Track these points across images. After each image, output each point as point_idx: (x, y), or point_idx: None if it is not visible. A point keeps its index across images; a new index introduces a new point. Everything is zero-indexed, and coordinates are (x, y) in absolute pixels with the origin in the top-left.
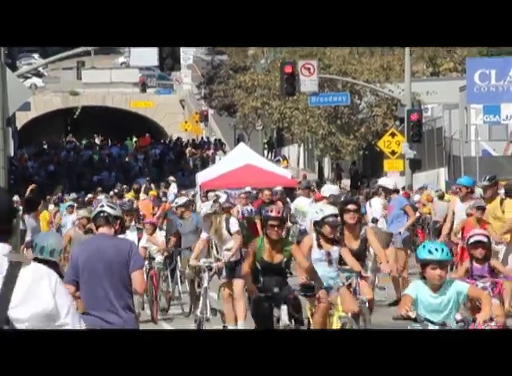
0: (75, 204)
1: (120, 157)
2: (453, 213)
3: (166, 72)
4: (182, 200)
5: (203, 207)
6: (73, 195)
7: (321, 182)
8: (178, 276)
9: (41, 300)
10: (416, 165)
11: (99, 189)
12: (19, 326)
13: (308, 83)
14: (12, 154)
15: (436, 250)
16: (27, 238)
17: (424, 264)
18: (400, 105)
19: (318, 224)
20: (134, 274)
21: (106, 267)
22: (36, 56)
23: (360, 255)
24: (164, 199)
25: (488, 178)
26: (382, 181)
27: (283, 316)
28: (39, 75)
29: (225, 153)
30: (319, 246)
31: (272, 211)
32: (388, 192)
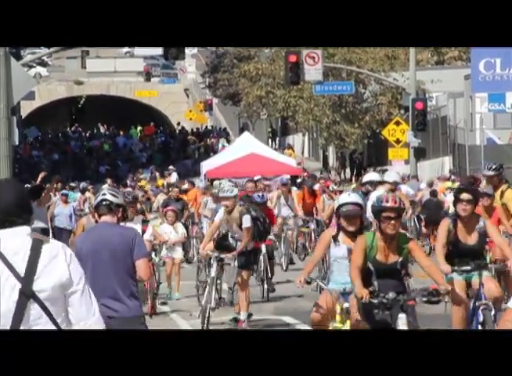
0: (68, 193)
1: (126, 146)
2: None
3: (170, 61)
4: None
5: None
6: (84, 184)
7: (326, 170)
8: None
9: (59, 271)
10: (420, 154)
11: (108, 180)
12: (41, 295)
13: (312, 72)
14: (17, 143)
15: None
16: (33, 225)
17: None
18: (405, 94)
19: (336, 215)
20: (138, 262)
21: (110, 255)
22: None
23: (477, 253)
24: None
25: (494, 167)
26: (367, 176)
27: (401, 327)
28: (43, 64)
29: (228, 141)
30: (335, 240)
31: (387, 201)
32: (376, 184)
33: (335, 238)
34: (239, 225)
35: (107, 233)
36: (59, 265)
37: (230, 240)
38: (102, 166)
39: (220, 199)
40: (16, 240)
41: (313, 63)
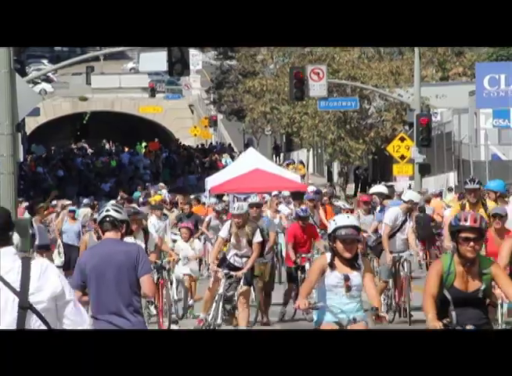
0: (76, 210)
1: (131, 163)
2: None
3: (175, 77)
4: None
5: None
6: (87, 200)
7: (331, 186)
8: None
9: (52, 283)
10: (425, 170)
11: (119, 196)
12: (38, 307)
13: (317, 88)
14: (22, 160)
15: None
16: (36, 242)
17: None
18: (409, 109)
19: (329, 238)
20: (143, 278)
21: (114, 272)
22: (45, 61)
23: None
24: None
25: (477, 180)
26: (375, 188)
27: None
28: (48, 80)
29: (232, 157)
30: (332, 266)
31: (465, 220)
32: (383, 197)
33: (331, 264)
34: (249, 241)
35: (111, 250)
36: (51, 278)
37: (233, 258)
38: (105, 183)
39: (232, 217)
40: (5, 259)
41: (318, 79)
